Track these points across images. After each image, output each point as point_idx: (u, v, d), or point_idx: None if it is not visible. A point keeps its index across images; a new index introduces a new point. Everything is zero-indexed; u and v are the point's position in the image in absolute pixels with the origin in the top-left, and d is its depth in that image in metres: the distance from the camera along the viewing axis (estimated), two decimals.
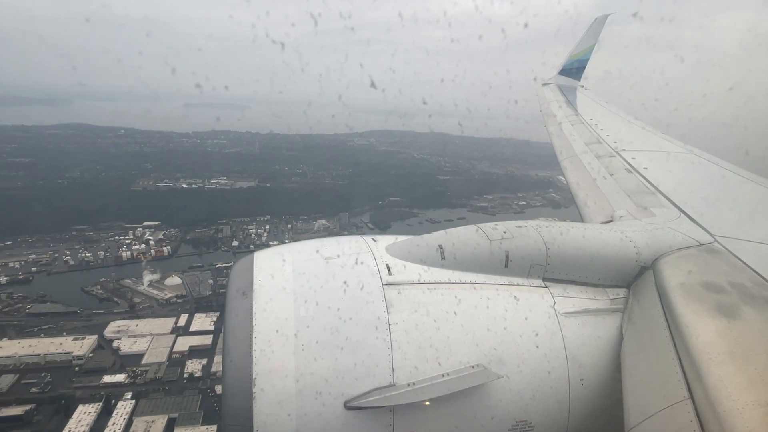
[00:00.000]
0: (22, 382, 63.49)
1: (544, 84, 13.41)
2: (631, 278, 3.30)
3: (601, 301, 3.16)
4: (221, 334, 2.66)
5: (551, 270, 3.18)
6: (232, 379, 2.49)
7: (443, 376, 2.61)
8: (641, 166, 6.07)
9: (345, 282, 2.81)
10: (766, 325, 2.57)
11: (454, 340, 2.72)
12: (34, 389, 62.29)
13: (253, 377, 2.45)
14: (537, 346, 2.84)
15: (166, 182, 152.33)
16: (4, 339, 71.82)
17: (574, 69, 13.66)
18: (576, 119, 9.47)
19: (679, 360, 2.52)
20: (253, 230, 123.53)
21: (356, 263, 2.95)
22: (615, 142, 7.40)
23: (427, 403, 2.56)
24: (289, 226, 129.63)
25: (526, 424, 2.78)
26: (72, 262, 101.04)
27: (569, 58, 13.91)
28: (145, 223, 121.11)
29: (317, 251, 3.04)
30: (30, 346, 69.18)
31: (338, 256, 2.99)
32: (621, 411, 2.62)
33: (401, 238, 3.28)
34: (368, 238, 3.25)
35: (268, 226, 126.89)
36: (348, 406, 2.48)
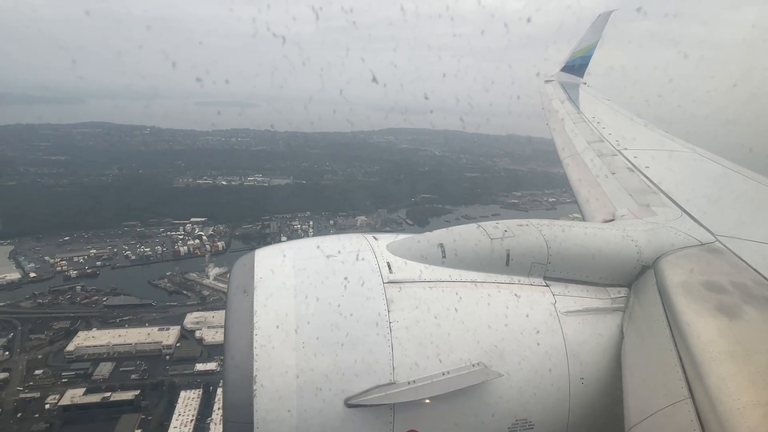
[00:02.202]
0: (120, 369, 66.45)
1: (547, 81, 13.26)
2: (633, 277, 3.33)
3: (602, 300, 3.18)
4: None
5: (552, 268, 3.20)
6: (233, 375, 2.51)
7: (444, 374, 2.64)
8: (643, 164, 6.07)
9: (345, 279, 2.84)
10: (767, 325, 2.58)
11: (454, 338, 2.74)
12: (133, 376, 65.22)
13: (254, 374, 2.48)
14: (537, 345, 2.86)
15: (205, 179, 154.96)
16: (93, 329, 74.69)
17: (576, 66, 13.51)
18: (578, 117, 9.40)
19: (680, 359, 2.53)
20: (298, 226, 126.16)
21: (357, 261, 2.99)
22: (617, 141, 7.36)
23: (427, 400, 2.58)
24: (332, 222, 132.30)
25: (527, 422, 2.80)
26: (133, 257, 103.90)
27: (572, 54, 13.78)
28: (193, 219, 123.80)
29: (318, 248, 3.08)
30: (120, 336, 72.09)
31: (339, 253, 3.03)
32: (621, 410, 2.63)
33: (402, 236, 3.31)
34: (369, 236, 3.28)
35: (311, 222, 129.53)
36: (348, 404, 2.51)
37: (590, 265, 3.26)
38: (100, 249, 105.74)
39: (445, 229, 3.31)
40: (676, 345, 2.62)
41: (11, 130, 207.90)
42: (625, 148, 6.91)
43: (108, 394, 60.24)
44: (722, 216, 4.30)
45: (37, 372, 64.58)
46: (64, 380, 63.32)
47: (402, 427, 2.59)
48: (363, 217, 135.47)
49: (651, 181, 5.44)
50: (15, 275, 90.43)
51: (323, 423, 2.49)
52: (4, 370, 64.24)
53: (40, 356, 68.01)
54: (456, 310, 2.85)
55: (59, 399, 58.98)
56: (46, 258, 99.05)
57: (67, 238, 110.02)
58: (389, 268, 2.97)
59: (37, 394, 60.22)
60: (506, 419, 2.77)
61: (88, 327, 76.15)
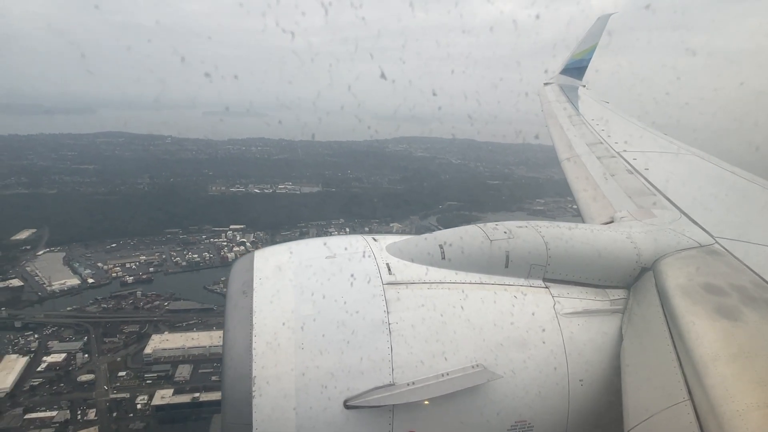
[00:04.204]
0: (199, 371, 67.74)
1: (546, 83, 13.39)
2: (632, 279, 3.32)
3: (602, 302, 3.18)
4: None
5: (551, 270, 3.20)
6: (232, 375, 2.53)
7: (443, 375, 2.64)
8: (642, 167, 6.08)
9: (345, 281, 2.85)
10: (766, 327, 2.59)
11: (453, 340, 2.75)
12: (213, 378, 66.36)
13: (254, 374, 2.49)
14: (536, 347, 2.87)
15: (237, 187, 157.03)
16: (165, 332, 76.04)
17: (576, 68, 13.75)
18: (578, 119, 9.45)
19: (679, 361, 2.53)
20: (335, 233, 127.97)
21: (357, 262, 2.99)
22: (616, 143, 7.39)
23: (426, 402, 2.60)
24: (366, 228, 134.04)
25: (526, 424, 2.80)
26: (183, 263, 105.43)
27: (571, 57, 13.99)
28: (232, 227, 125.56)
29: (317, 250, 3.09)
30: (192, 339, 73.38)
31: (338, 255, 3.03)
32: (620, 412, 2.62)
33: (402, 238, 3.32)
34: (369, 237, 3.29)
35: (347, 229, 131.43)
36: (347, 405, 2.52)
37: (589, 267, 3.29)
38: (149, 255, 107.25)
39: (445, 231, 3.35)
40: (675, 347, 2.63)
41: (35, 140, 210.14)
42: (625, 151, 6.98)
43: (197, 394, 61.53)
44: (721, 218, 4.36)
45: (121, 374, 65.86)
46: (148, 381, 64.59)
47: (401, 428, 2.62)
48: (397, 224, 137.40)
49: (650, 183, 5.48)
50: (74, 281, 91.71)
51: (323, 422, 2.52)
52: (88, 372, 65.54)
53: (119, 359, 69.30)
54: (455, 311, 2.87)
55: (149, 399, 60.25)
56: (99, 264, 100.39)
57: (114, 245, 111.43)
58: (389, 269, 2.99)
59: (126, 395, 61.44)
60: (506, 421, 2.79)
61: (158, 330, 77.46)
